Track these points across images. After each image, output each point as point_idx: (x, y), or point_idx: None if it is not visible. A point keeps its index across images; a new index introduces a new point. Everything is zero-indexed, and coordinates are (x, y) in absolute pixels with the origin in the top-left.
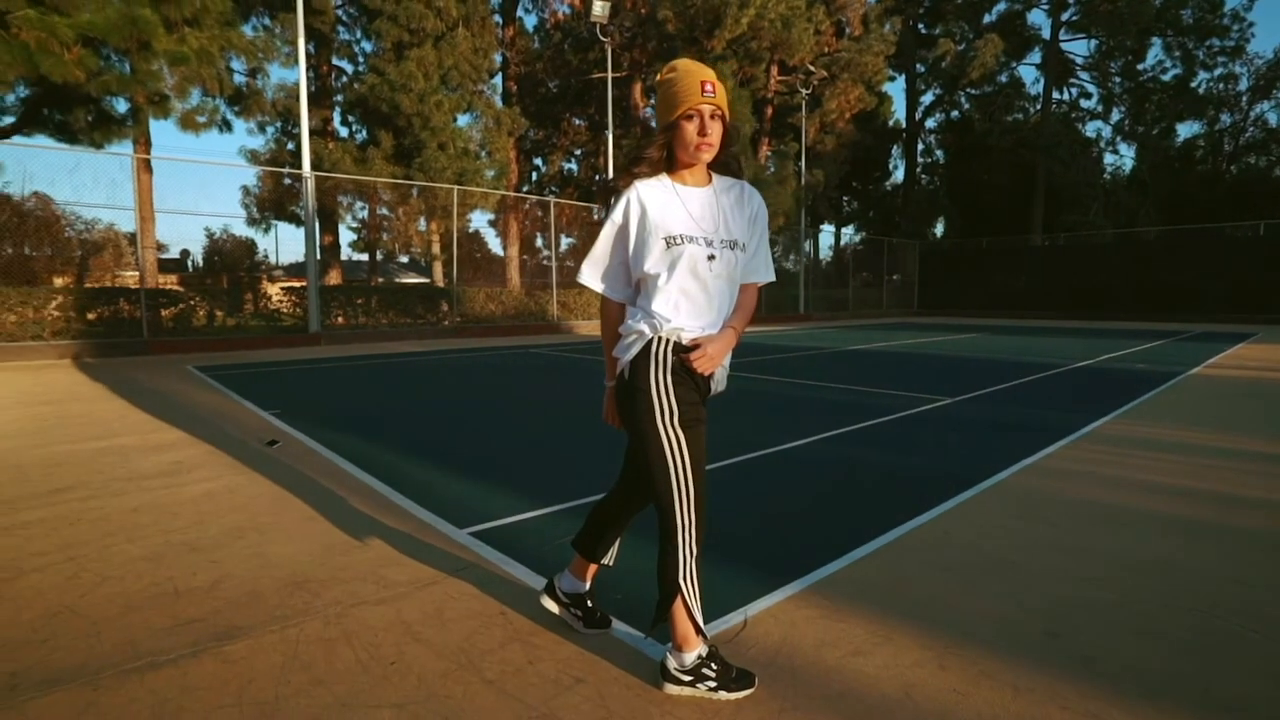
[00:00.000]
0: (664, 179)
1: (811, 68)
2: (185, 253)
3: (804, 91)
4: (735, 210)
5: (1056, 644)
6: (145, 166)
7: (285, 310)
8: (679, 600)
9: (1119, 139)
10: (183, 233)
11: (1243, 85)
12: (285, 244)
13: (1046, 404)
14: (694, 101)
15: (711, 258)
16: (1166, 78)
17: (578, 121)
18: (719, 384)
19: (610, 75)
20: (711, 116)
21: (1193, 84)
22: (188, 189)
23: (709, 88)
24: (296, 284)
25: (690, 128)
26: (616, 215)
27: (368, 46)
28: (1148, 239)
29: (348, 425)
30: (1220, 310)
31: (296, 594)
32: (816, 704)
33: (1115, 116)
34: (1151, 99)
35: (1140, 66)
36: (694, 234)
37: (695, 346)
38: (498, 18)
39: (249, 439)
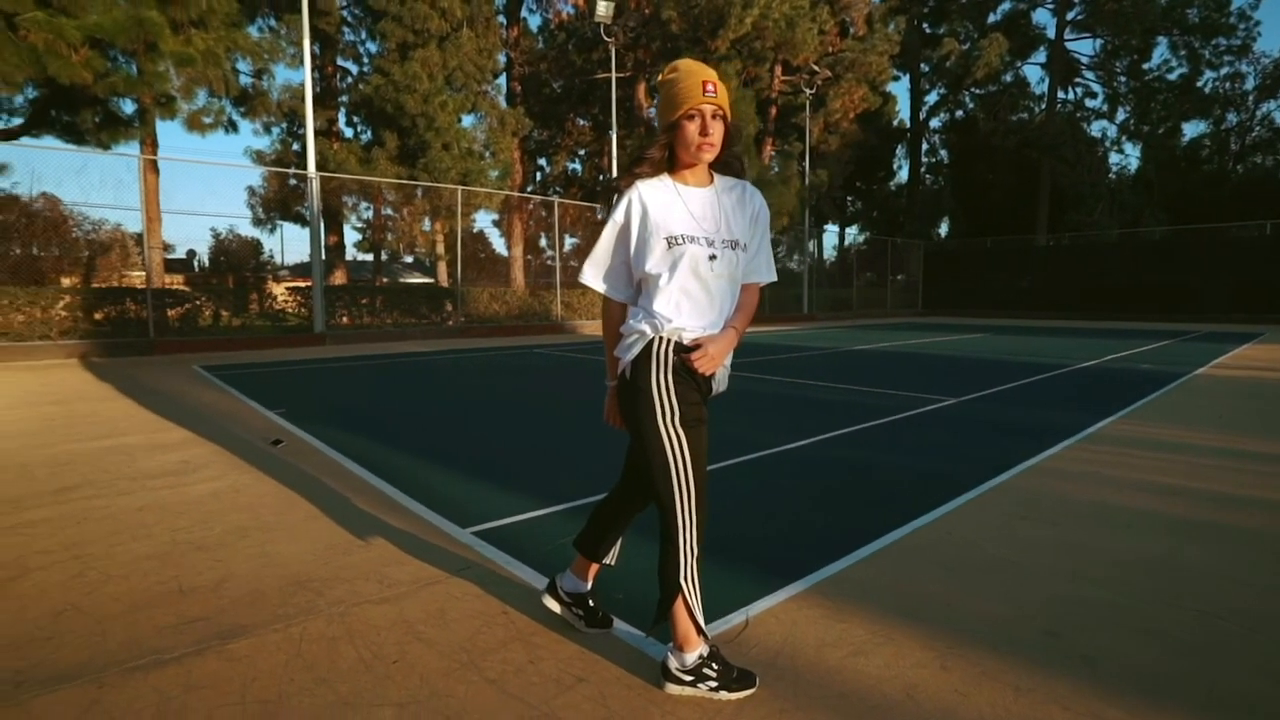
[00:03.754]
0: (665, 179)
1: (815, 68)
2: (191, 253)
3: (808, 91)
4: (736, 210)
5: (1057, 644)
6: (152, 167)
7: (290, 310)
8: (679, 600)
9: (1124, 138)
10: (189, 233)
11: (1249, 84)
12: (290, 244)
13: (1050, 404)
14: (695, 101)
15: (713, 257)
16: (1172, 77)
17: (582, 122)
18: (720, 384)
19: (614, 75)
20: (713, 116)
21: (1199, 83)
22: (194, 189)
23: (710, 88)
24: (302, 284)
25: (692, 128)
26: (618, 215)
27: (373, 47)
28: (1153, 239)
29: (352, 425)
30: (1226, 310)
31: (300, 593)
32: (818, 704)
33: (1120, 116)
34: (1157, 98)
35: (1146, 66)
36: (695, 234)
37: (696, 346)
38: (502, 18)
39: (254, 438)
